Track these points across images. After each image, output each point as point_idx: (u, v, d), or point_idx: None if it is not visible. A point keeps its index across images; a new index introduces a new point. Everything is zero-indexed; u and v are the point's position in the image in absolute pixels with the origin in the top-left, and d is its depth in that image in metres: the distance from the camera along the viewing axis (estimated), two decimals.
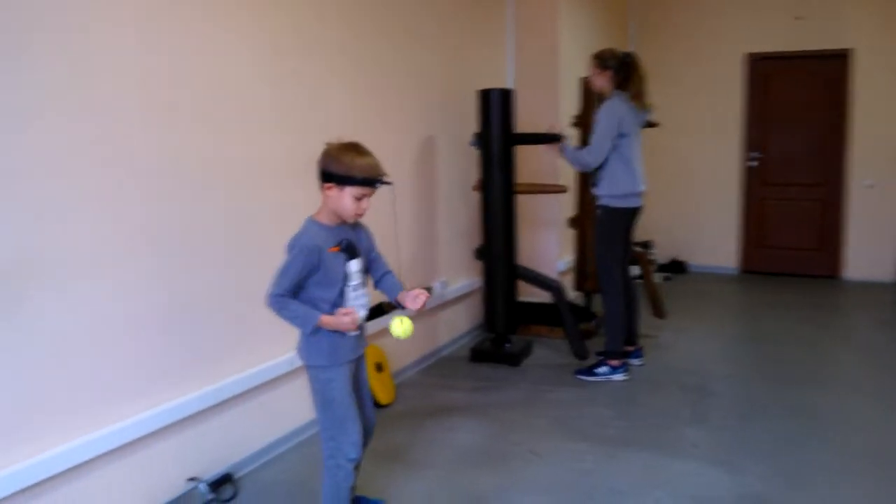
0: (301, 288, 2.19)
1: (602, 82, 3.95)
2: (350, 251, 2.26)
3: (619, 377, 4.07)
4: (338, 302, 2.23)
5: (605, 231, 4.05)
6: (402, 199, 4.16)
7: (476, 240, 4.81)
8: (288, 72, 3.12)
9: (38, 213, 2.12)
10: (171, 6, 2.54)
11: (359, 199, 2.18)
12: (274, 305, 2.16)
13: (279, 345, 3.02)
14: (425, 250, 4.45)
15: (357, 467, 2.40)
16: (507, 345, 4.51)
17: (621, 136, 3.86)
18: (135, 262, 2.45)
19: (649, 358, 4.44)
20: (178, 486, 2.66)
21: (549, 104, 5.52)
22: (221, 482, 2.77)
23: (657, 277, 7.12)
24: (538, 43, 5.54)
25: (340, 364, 2.27)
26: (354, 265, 2.27)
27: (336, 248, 2.21)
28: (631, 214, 4.04)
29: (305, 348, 2.27)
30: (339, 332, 2.23)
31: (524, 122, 5.46)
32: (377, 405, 3.67)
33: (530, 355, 4.62)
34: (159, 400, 2.56)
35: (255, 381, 2.96)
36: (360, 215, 2.24)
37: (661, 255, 7.64)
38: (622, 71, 3.89)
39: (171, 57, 2.55)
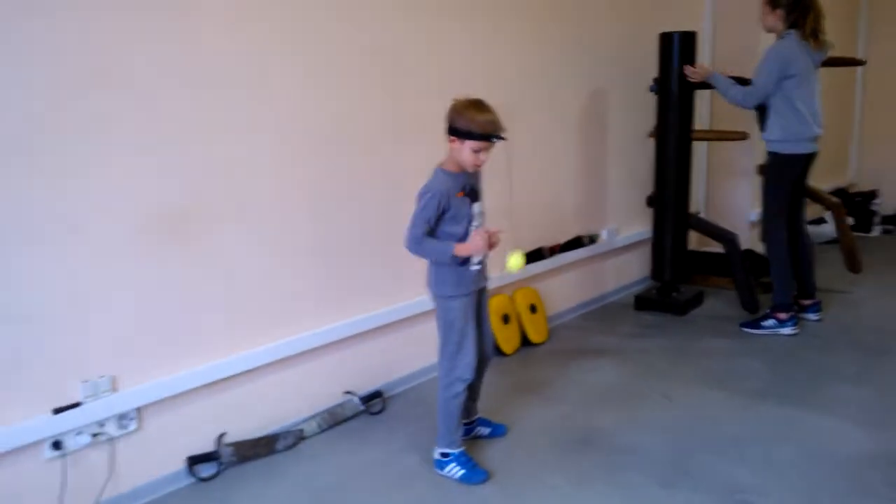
0: (433, 228, 2.46)
1: (773, 22, 3.75)
2: (473, 195, 2.51)
3: (786, 331, 3.92)
4: (463, 238, 2.49)
5: (773, 178, 3.88)
6: (570, 146, 4.29)
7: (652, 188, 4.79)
8: (446, 29, 3.38)
9: (228, 166, 2.62)
10: None
11: (477, 151, 2.40)
12: (411, 246, 2.45)
13: (421, 286, 3.35)
14: (594, 197, 4.54)
15: (473, 390, 2.70)
16: (675, 294, 4.49)
17: (788, 77, 3.65)
18: (306, 206, 2.90)
19: (831, 313, 4.20)
20: (336, 397, 3.12)
21: (751, 47, 5.23)
22: (372, 397, 3.19)
23: (876, 230, 6.52)
24: None
25: (463, 294, 2.54)
26: (477, 207, 2.53)
27: (462, 193, 2.47)
28: (803, 161, 3.82)
29: (434, 280, 2.57)
30: (462, 266, 2.50)
31: (724, 66, 5.26)
32: (529, 343, 3.91)
33: (700, 306, 4.57)
34: (324, 321, 3.03)
35: (409, 312, 3.33)
36: (479, 167, 2.46)
37: (887, 205, 6.92)
38: (795, 10, 3.66)
39: (336, 23, 2.93)
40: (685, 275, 4.56)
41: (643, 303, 4.55)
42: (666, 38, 4.23)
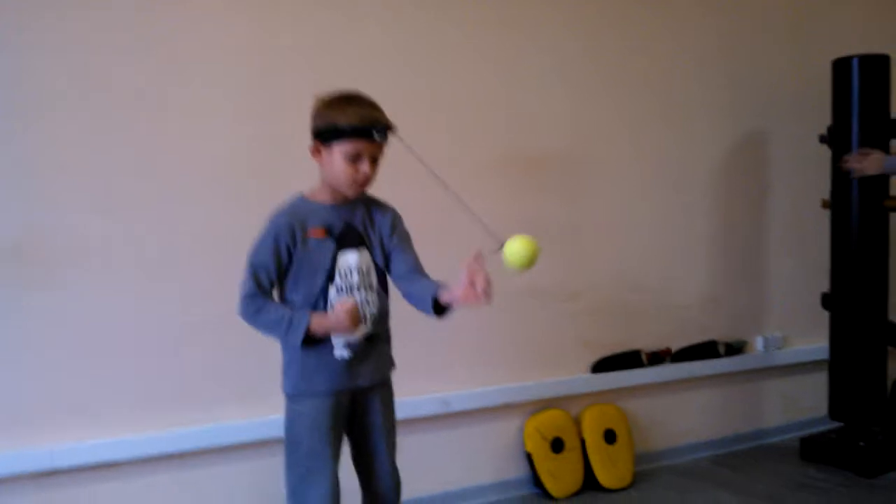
0: (274, 283, 1.62)
1: None
2: (348, 238, 1.62)
3: None
4: (316, 308, 1.60)
5: None
6: (705, 211, 3.10)
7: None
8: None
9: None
10: None
11: (354, 160, 1.55)
12: (244, 311, 1.59)
13: (423, 380, 2.40)
14: (745, 288, 3.22)
15: None
16: (863, 442, 2.93)
17: None
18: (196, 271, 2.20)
19: None
20: None
21: None
22: None
23: None
24: None
25: (316, 395, 1.62)
26: (352, 259, 1.62)
27: (322, 232, 1.59)
28: None
29: (283, 368, 1.67)
30: (321, 352, 1.59)
31: None
32: (596, 486, 2.69)
33: None
34: (237, 412, 2.24)
35: None
36: (361, 183, 1.59)
37: None
38: None
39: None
40: (884, 414, 2.99)
41: (813, 450, 3.03)
42: (842, 67, 2.91)
